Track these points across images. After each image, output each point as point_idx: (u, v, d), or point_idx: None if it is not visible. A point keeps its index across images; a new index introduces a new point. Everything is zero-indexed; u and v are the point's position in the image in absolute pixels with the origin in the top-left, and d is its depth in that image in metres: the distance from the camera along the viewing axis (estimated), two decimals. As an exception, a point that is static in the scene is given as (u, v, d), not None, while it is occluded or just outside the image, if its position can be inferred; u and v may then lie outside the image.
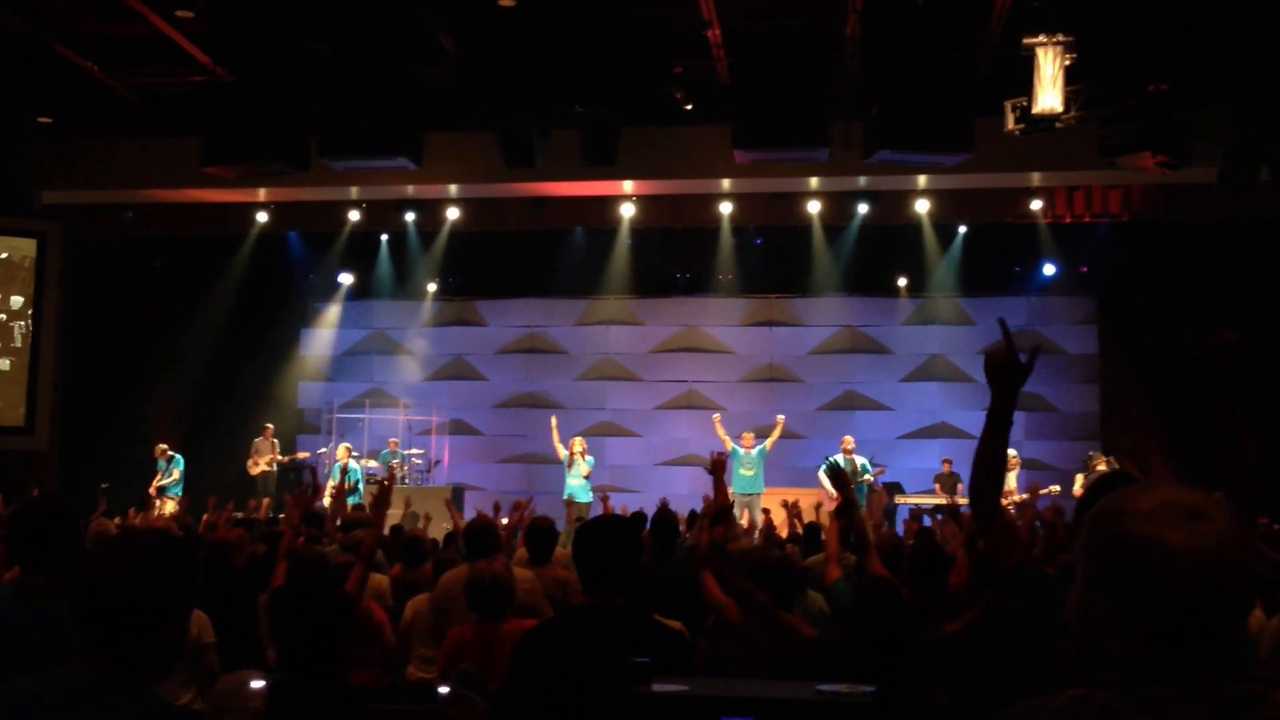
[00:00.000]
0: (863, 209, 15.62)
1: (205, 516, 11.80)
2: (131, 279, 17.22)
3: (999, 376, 3.01)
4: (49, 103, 13.37)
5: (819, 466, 14.85)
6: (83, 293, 16.80)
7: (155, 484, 15.88)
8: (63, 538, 3.53)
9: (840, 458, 15.07)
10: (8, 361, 16.13)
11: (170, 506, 14.65)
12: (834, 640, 4.47)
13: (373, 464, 16.93)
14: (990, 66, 11.85)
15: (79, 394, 16.74)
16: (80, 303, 16.79)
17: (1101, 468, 14.09)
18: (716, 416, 16.13)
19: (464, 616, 5.92)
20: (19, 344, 16.20)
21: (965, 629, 4.05)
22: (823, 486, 14.71)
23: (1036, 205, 15.26)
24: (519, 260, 17.91)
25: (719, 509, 6.98)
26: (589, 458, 15.68)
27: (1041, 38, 10.25)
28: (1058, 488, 13.89)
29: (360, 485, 15.55)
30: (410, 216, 16.50)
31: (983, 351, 3.06)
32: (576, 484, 15.42)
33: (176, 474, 16.05)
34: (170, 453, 16.21)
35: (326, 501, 12.75)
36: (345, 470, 15.52)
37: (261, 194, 15.46)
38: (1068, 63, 10.27)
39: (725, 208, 15.84)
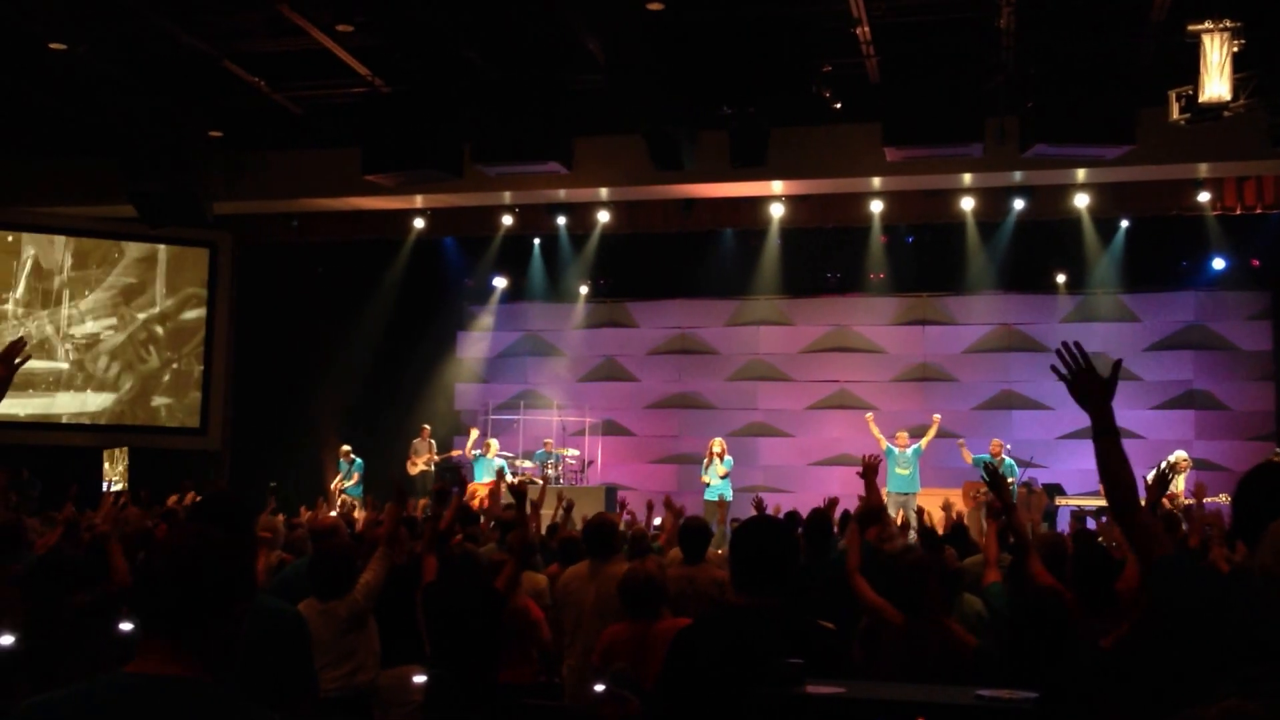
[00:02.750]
0: (1019, 204, 15.25)
1: (364, 515, 12.13)
2: (296, 285, 17.83)
3: (1089, 397, 3.00)
4: (219, 117, 13.92)
5: (978, 465, 14.57)
6: (251, 299, 17.48)
7: (336, 485, 16.39)
8: (238, 531, 3.71)
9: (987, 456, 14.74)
10: (185, 366, 16.92)
11: (356, 509, 15.10)
12: (996, 650, 4.39)
13: (528, 464, 17.22)
14: (1153, 55, 11.46)
15: (249, 396, 17.43)
16: (249, 308, 17.47)
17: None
18: (870, 416, 15.97)
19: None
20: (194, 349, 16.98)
21: (1119, 642, 3.94)
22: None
23: (1204, 197, 14.65)
24: (669, 262, 17.99)
25: (868, 511, 6.92)
26: (728, 458, 15.73)
27: (1208, 24, 9.86)
28: (1225, 496, 13.31)
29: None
30: (562, 220, 16.70)
31: (1060, 378, 3.07)
32: (715, 483, 15.50)
33: (356, 476, 16.55)
34: (352, 455, 16.71)
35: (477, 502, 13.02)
36: (502, 473, 15.79)
37: (418, 201, 15.84)
38: (1236, 49, 9.86)
39: (876, 206, 15.63)
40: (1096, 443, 3.03)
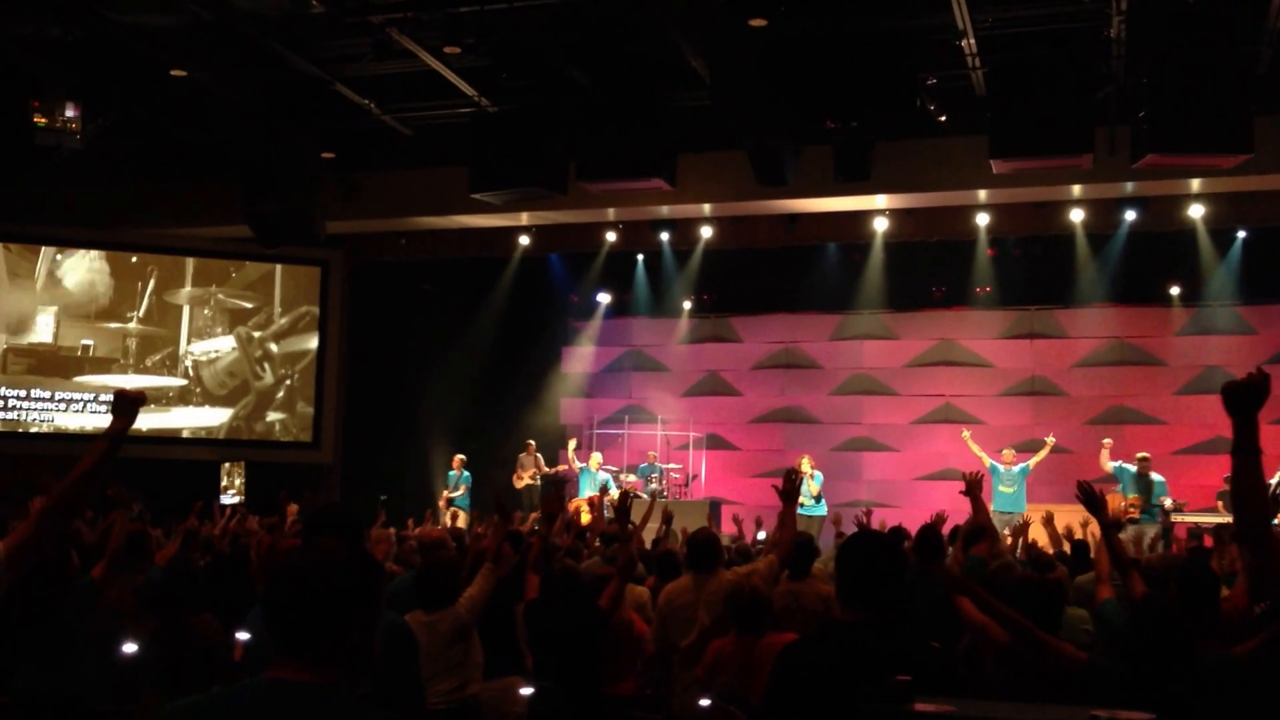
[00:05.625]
0: (1130, 216, 14.93)
1: (476, 529, 12.28)
2: (405, 302, 18.17)
3: (1240, 403, 2.92)
4: (332, 139, 14.28)
5: (1118, 475, 14.19)
6: (362, 315, 17.84)
7: (445, 495, 16.64)
8: (351, 543, 3.81)
9: (1132, 470, 14.35)
10: (296, 382, 17.34)
11: (462, 519, 15.28)
12: (1109, 665, 4.30)
13: (632, 477, 17.30)
14: (1270, 61, 11.17)
15: (359, 411, 17.78)
16: (360, 325, 17.83)
17: None
18: (968, 433, 15.68)
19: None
20: (306, 365, 17.39)
21: (1257, 651, 3.84)
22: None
23: (1325, 206, 14.25)
24: (773, 277, 17.97)
25: (972, 529, 6.84)
26: (817, 474, 15.58)
27: (1328, 28, 9.60)
28: None
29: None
30: (665, 236, 16.77)
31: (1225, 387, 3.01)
32: (808, 502, 15.36)
33: (464, 489, 16.77)
34: (463, 468, 16.93)
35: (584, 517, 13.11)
36: (605, 489, 15.88)
37: (524, 218, 16.05)
38: (1358, 53, 9.58)
39: (982, 219, 15.44)
40: (1235, 458, 2.96)
